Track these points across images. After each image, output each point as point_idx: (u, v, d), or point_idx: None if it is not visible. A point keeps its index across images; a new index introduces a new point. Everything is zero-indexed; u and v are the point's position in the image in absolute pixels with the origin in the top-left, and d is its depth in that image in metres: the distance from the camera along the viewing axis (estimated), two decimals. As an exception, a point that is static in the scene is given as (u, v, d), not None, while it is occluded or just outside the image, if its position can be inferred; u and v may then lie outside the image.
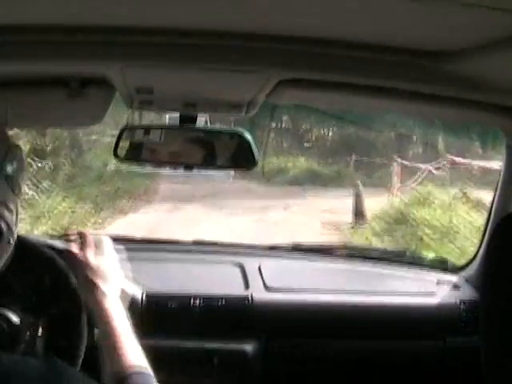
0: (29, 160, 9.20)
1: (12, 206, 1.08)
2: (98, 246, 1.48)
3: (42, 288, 1.65)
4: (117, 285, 1.45)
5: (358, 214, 10.29)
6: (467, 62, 1.12)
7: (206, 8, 1.04)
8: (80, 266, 1.42)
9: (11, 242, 1.09)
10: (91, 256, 1.45)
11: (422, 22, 1.01)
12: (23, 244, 1.67)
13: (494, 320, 1.58)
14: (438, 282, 2.23)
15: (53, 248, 1.77)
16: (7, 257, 1.09)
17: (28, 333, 1.62)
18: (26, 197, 8.73)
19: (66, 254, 1.56)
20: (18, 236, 1.64)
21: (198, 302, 1.97)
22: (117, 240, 2.37)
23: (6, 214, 1.06)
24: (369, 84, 1.33)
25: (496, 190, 2.12)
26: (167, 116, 4.83)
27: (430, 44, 1.14)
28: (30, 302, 1.67)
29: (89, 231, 1.53)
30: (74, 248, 1.45)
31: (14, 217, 1.09)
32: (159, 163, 1.70)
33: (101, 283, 1.40)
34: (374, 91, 1.35)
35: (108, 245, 1.50)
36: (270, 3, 1.00)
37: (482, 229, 2.24)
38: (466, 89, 1.28)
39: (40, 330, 1.66)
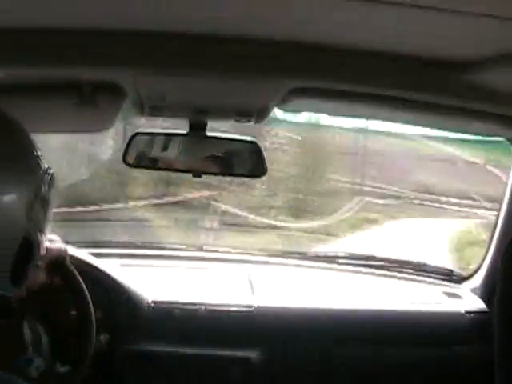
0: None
1: (44, 228, 1.10)
2: None
3: (48, 289, 1.65)
4: None
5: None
6: (484, 72, 1.13)
7: (219, 16, 1.05)
8: None
9: (39, 262, 1.11)
10: None
11: (436, 31, 1.01)
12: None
13: (508, 331, 1.58)
14: (443, 292, 2.23)
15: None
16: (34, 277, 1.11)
17: (33, 335, 1.62)
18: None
19: (77, 261, 1.56)
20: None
21: (203, 310, 1.97)
22: (123, 247, 2.40)
23: (40, 235, 1.08)
24: (381, 94, 1.33)
25: (502, 202, 2.12)
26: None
27: (445, 54, 1.15)
28: (35, 303, 1.67)
29: None
30: None
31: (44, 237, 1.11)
32: (168, 169, 1.70)
33: None
34: (386, 101, 1.36)
35: None
36: (283, 12, 1.01)
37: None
38: (480, 100, 1.28)
39: (46, 333, 1.66)
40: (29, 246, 1.05)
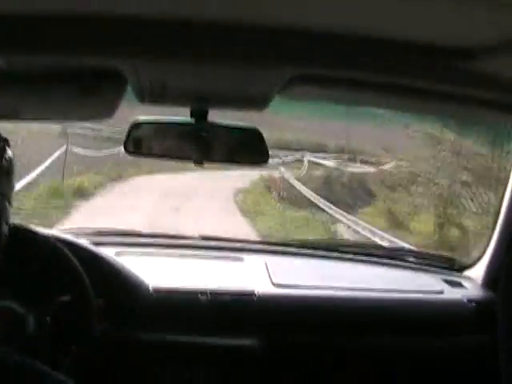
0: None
1: (10, 198, 1.11)
2: None
3: (47, 277, 1.66)
4: None
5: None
6: (489, 60, 1.12)
7: (219, 2, 1.04)
8: None
9: (6, 233, 1.12)
10: None
11: (440, 18, 1.00)
12: (30, 236, 1.68)
13: None
14: (445, 280, 2.24)
15: (64, 242, 1.78)
16: (2, 247, 1.12)
17: (34, 323, 1.63)
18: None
19: (78, 249, 1.56)
20: (25, 228, 1.65)
21: (204, 297, 1.97)
22: (124, 235, 2.40)
23: (7, 207, 1.09)
24: (384, 81, 1.32)
25: (505, 190, 2.11)
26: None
27: (448, 42, 1.14)
28: (36, 291, 1.67)
29: None
30: None
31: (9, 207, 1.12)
32: (170, 157, 1.69)
33: None
34: (389, 89, 1.34)
35: None
36: None
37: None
38: (485, 87, 1.27)
39: (47, 320, 1.66)
40: None
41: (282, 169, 13.00)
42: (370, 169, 13.85)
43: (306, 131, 16.05)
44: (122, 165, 11.50)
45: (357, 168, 13.89)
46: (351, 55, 1.21)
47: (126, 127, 1.66)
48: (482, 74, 1.21)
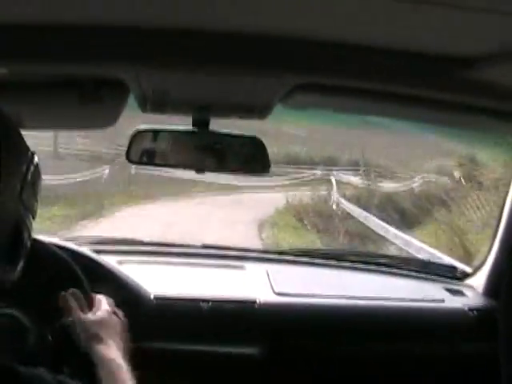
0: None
1: (34, 211, 1.10)
2: (96, 304, 1.51)
3: (53, 289, 1.66)
4: (118, 337, 1.49)
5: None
6: (488, 68, 1.12)
7: (222, 10, 1.04)
8: (83, 324, 1.43)
9: (29, 244, 1.11)
10: (92, 313, 1.48)
11: (440, 27, 1.01)
12: (35, 245, 1.69)
13: None
14: (447, 289, 2.24)
15: (66, 249, 1.78)
16: (24, 258, 1.11)
17: (36, 334, 1.63)
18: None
19: (79, 257, 1.57)
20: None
21: (205, 305, 1.97)
22: (126, 243, 2.40)
23: (31, 221, 1.09)
24: (385, 90, 1.33)
25: (506, 199, 2.12)
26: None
27: (448, 50, 1.14)
28: (39, 301, 1.67)
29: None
30: (75, 309, 1.46)
31: (32, 220, 1.12)
32: (172, 166, 1.70)
33: (104, 336, 1.42)
34: (390, 97, 1.35)
35: (104, 301, 1.53)
36: (286, 6, 1.00)
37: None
38: (484, 96, 1.28)
39: (48, 330, 1.66)
40: (20, 229, 1.06)
41: (308, 192, 11.28)
42: (400, 186, 12.83)
43: (314, 142, 15.31)
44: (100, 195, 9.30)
45: (386, 185, 12.73)
46: (352, 64, 1.21)
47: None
48: (482, 83, 1.22)
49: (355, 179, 13.42)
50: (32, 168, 1.10)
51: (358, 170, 13.90)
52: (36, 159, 1.13)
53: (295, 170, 14.29)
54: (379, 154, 14.50)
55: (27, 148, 1.11)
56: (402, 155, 14.58)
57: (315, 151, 15.65)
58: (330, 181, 13.04)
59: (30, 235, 1.12)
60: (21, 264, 1.11)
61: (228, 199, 9.60)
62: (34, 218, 1.12)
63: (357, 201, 11.11)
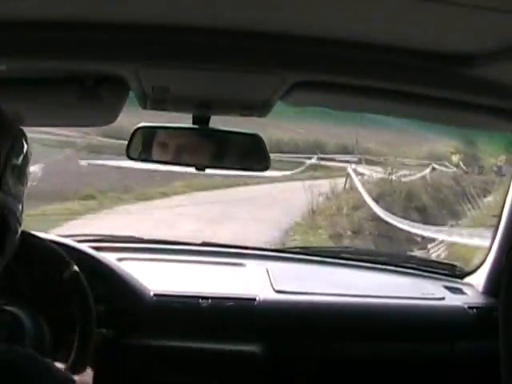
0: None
1: (20, 198, 1.07)
2: None
3: (50, 283, 1.66)
4: None
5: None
6: (488, 66, 1.12)
7: (221, 9, 1.04)
8: None
9: (18, 233, 1.07)
10: None
11: (439, 25, 1.01)
12: (32, 241, 1.69)
13: None
14: (446, 287, 2.24)
15: (65, 246, 1.78)
16: (13, 248, 1.07)
17: (35, 328, 1.63)
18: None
19: (79, 254, 1.56)
20: (28, 233, 1.66)
21: (205, 302, 1.97)
22: (126, 241, 2.40)
23: (17, 205, 1.05)
24: (384, 88, 1.33)
25: (505, 197, 2.12)
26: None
27: (448, 48, 1.14)
28: (37, 297, 1.67)
29: None
30: None
31: (21, 207, 1.08)
32: (172, 163, 1.70)
33: None
34: (390, 95, 1.35)
35: None
36: (286, 4, 1.00)
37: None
38: (484, 94, 1.28)
39: (47, 326, 1.66)
40: (4, 216, 1.02)
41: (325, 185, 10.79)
42: (412, 175, 12.68)
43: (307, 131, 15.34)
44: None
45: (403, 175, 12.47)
46: (352, 61, 1.21)
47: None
48: (482, 80, 1.22)
49: (369, 171, 13.22)
50: (20, 152, 1.04)
51: (351, 155, 14.05)
52: (26, 144, 1.06)
53: (285, 155, 14.28)
54: (369, 139, 14.65)
55: (10, 125, 1.04)
56: (392, 140, 14.69)
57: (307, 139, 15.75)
58: (348, 174, 13.03)
59: (20, 224, 1.06)
60: (9, 253, 1.06)
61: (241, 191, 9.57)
62: (21, 205, 1.05)
63: (378, 196, 10.99)
